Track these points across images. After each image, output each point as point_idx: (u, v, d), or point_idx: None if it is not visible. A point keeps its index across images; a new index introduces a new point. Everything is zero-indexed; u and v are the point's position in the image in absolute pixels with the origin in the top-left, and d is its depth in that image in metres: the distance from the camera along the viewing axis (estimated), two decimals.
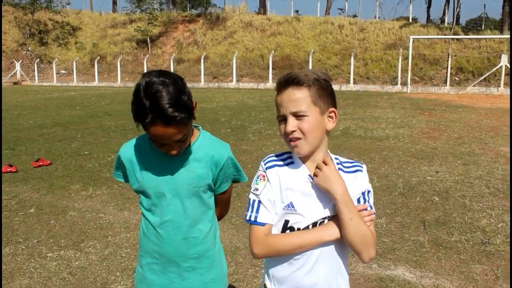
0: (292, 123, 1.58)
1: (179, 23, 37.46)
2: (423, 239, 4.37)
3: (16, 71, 35.17)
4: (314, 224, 1.64)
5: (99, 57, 34.40)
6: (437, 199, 5.55)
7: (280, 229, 1.67)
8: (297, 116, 1.58)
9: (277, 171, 1.67)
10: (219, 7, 39.58)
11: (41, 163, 7.26)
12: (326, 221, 1.65)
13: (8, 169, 6.89)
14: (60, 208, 5.29)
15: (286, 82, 1.59)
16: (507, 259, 3.96)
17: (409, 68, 23.71)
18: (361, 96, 20.88)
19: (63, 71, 36.32)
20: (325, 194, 1.62)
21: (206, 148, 1.87)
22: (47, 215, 5.06)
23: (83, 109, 15.74)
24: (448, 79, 23.76)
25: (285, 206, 1.65)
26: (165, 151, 1.75)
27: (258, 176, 1.70)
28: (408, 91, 23.05)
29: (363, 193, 1.70)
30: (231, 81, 28.81)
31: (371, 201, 1.71)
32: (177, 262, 1.87)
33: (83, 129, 11.06)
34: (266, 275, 1.74)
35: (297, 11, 38.70)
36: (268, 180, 1.67)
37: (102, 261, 3.90)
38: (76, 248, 4.19)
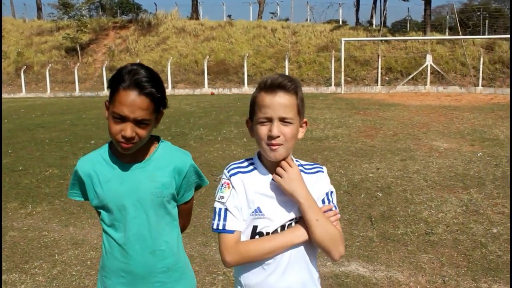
0: (278, 128, 1.59)
1: (110, 29, 36.37)
2: (372, 234, 4.53)
3: None
4: (283, 227, 1.66)
5: (25, 66, 32.61)
6: (380, 194, 5.77)
7: (249, 236, 1.67)
8: (284, 122, 1.60)
9: (241, 177, 1.68)
10: (151, 13, 38.83)
11: None
12: (293, 223, 1.67)
13: None
14: None
15: (279, 85, 1.59)
16: (450, 246, 4.20)
17: (342, 69, 24.47)
18: None
19: None
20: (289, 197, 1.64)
21: (168, 157, 1.86)
22: None
23: (11, 122, 14.86)
24: (379, 79, 24.79)
25: (253, 212, 1.66)
26: (121, 136, 1.68)
27: (223, 184, 1.70)
28: (342, 92, 23.79)
29: (326, 194, 1.74)
30: (166, 87, 28.38)
31: (335, 201, 1.76)
32: (146, 278, 1.81)
33: (14, 143, 10.45)
34: (237, 285, 1.73)
35: (229, 16, 38.82)
36: (233, 187, 1.67)
37: (51, 282, 3.72)
38: (20, 270, 3.95)
